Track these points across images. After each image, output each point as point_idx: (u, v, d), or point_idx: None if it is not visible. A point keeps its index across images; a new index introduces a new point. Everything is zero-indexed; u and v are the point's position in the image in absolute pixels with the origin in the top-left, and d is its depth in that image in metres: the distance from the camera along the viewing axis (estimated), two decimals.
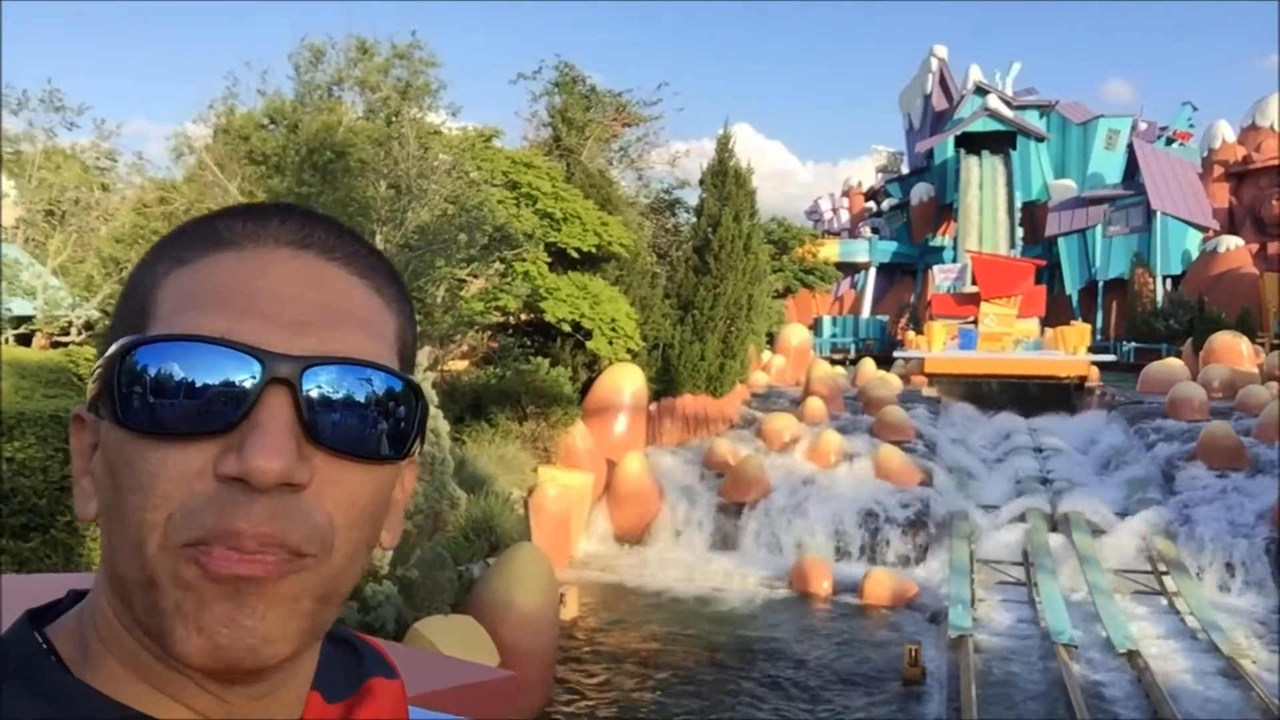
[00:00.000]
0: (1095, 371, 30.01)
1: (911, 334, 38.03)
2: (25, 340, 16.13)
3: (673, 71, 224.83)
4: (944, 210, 54.32)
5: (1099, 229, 47.23)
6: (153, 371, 0.65)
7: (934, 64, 58.16)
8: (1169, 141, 52.20)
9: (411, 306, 0.79)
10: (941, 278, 40.24)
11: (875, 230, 57.78)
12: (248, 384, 0.65)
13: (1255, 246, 43.86)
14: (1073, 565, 15.20)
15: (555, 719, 10.32)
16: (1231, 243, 43.40)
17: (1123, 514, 16.77)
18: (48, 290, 16.14)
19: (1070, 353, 31.63)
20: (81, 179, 18.58)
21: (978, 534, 16.55)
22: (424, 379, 11.26)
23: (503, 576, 10.42)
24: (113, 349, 0.67)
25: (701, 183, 23.33)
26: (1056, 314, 40.46)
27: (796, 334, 32.61)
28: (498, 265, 17.62)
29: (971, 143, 52.56)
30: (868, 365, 29.81)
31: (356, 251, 0.74)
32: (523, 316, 19.67)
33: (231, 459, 0.63)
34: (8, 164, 17.42)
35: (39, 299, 15.90)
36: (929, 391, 27.94)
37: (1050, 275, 45.22)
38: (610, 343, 18.82)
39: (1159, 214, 44.84)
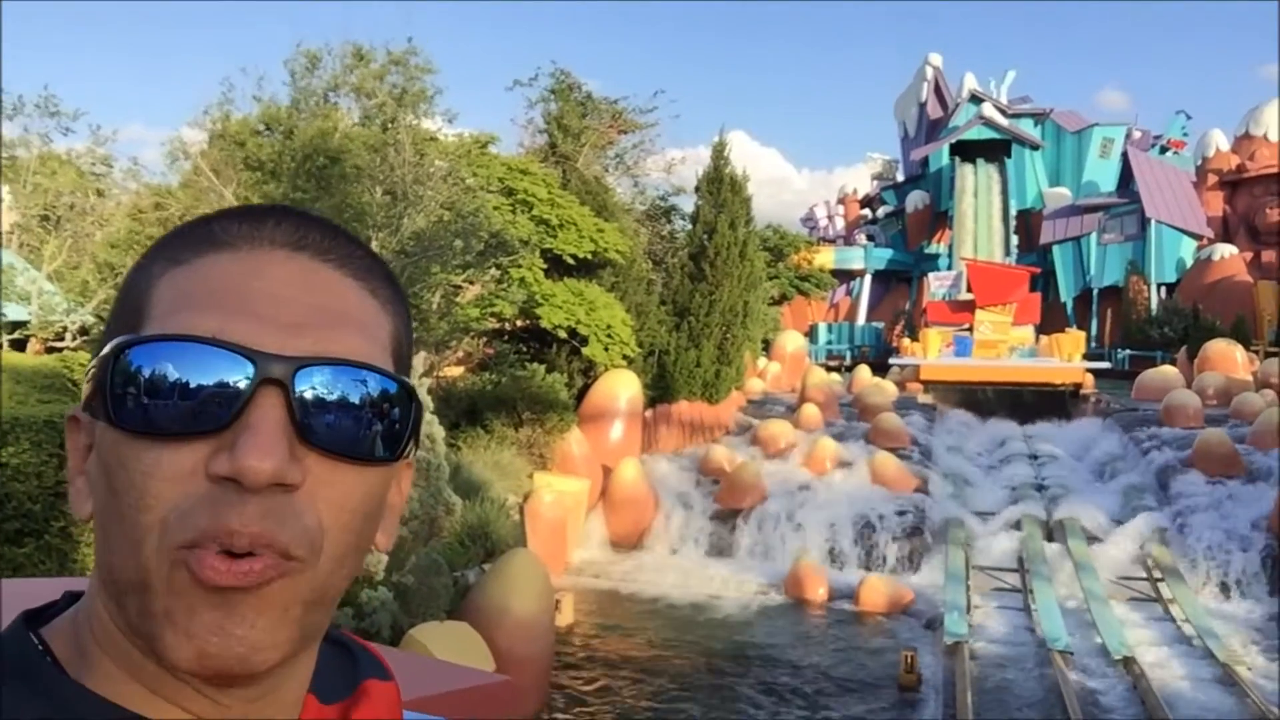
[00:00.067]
0: (1090, 379, 30.08)
1: (907, 341, 38.08)
2: (20, 345, 16.09)
3: (669, 78, 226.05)
4: (939, 218, 54.45)
5: (1094, 237, 47.36)
6: (146, 372, 0.65)
7: (929, 72, 58.34)
8: (1163, 150, 52.37)
9: (408, 308, 0.79)
10: (937, 285, 40.31)
11: (870, 237, 57.90)
12: (241, 384, 0.64)
13: (1249, 254, 44.02)
14: (1068, 572, 15.20)
15: None
16: (1226, 251, 43.53)
17: (1118, 521, 16.78)
18: (43, 295, 16.11)
19: (1065, 360, 31.68)
20: (77, 184, 18.52)
21: (973, 541, 16.55)
22: (419, 385, 11.25)
23: (498, 583, 10.41)
24: (106, 349, 0.67)
25: (697, 189, 23.37)
26: (1051, 321, 40.52)
27: (792, 341, 32.64)
28: (493, 271, 17.62)
29: (966, 150, 52.70)
30: (863, 372, 29.84)
31: (352, 253, 0.74)
32: (518, 323, 19.68)
33: (223, 459, 0.63)
34: (3, 169, 17.38)
35: (34, 304, 15.87)
36: (924, 398, 27.97)
37: (1045, 283, 45.33)
38: (606, 349, 18.82)
39: (1153, 222, 44.97)
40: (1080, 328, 40.31)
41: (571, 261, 19.74)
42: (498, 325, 19.35)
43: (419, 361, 14.86)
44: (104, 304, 15.69)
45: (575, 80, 27.64)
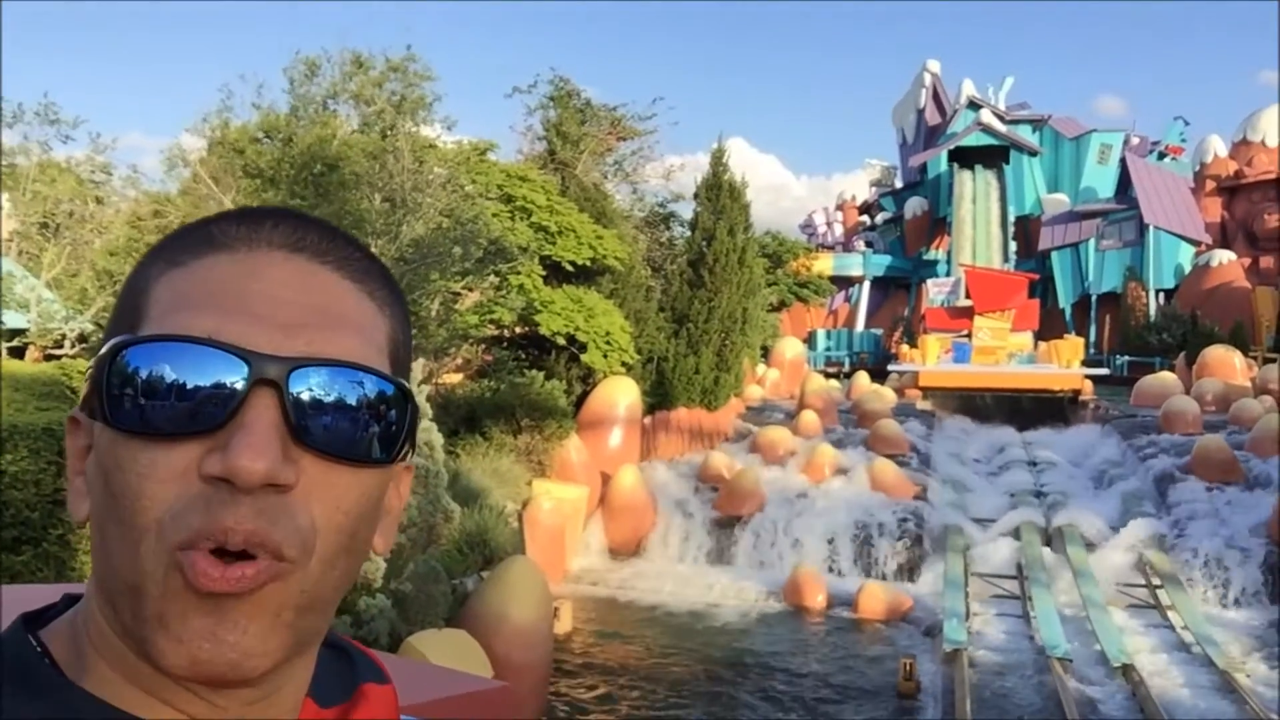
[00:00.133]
0: (1089, 385, 30.07)
1: (905, 347, 38.10)
2: (18, 353, 16.08)
3: (667, 86, 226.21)
4: (937, 224, 54.52)
5: (1092, 243, 47.43)
6: (143, 372, 0.65)
7: (927, 79, 58.49)
8: (1161, 156, 52.46)
9: (406, 310, 0.79)
10: (935, 291, 40.32)
11: (869, 244, 57.96)
12: (236, 384, 0.64)
13: (1247, 260, 44.09)
14: (1067, 579, 15.19)
15: None
16: (1224, 257, 43.60)
17: (1117, 527, 16.77)
18: (41, 303, 16.10)
19: (1064, 366, 31.66)
20: (76, 192, 18.54)
21: (972, 547, 16.54)
22: (418, 392, 11.24)
23: (497, 590, 10.39)
24: (103, 350, 0.67)
25: (696, 197, 23.39)
26: (1050, 328, 40.52)
27: (791, 347, 32.66)
28: (492, 278, 17.62)
29: (965, 157, 52.80)
30: (862, 379, 29.87)
31: (350, 255, 0.74)
32: (517, 330, 19.68)
33: (216, 459, 0.63)
34: (3, 177, 17.39)
35: (33, 312, 15.86)
36: (923, 405, 27.99)
37: (1043, 289, 45.39)
38: (605, 356, 18.82)
39: (1152, 228, 45.05)
40: (1079, 334, 40.30)
41: (570, 268, 19.76)
42: (496, 332, 19.35)
43: (417, 368, 14.84)
44: (103, 311, 15.69)
45: (574, 87, 27.66)
